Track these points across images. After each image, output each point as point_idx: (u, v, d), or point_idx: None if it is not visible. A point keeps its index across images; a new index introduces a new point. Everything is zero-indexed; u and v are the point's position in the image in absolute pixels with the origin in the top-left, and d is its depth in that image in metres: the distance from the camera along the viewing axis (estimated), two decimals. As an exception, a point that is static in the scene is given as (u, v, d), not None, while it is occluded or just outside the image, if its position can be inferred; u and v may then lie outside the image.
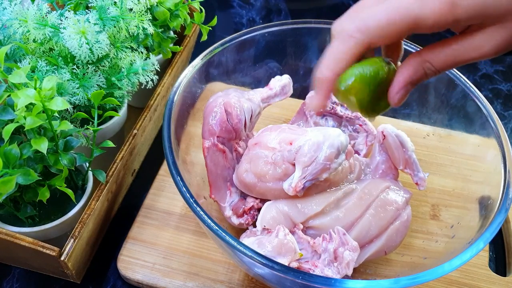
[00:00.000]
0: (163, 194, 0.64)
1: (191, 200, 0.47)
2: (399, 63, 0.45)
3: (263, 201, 0.55)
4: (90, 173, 0.56)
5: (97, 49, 0.52)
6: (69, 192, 0.49)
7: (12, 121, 0.44)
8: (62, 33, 0.51)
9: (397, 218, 0.53)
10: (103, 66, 0.55)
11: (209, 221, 0.45)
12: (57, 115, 0.47)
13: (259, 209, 0.55)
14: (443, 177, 0.63)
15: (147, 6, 0.55)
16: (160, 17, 0.58)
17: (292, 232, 0.52)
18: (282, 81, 0.62)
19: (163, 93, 0.65)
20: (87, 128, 0.52)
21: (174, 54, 0.67)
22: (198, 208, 0.46)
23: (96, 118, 0.52)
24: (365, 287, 0.42)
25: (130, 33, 0.55)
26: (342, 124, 0.65)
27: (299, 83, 0.68)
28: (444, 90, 0.61)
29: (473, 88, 0.58)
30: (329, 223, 0.52)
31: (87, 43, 0.51)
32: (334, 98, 0.64)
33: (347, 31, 0.40)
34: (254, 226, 0.54)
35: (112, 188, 0.56)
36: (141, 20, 0.54)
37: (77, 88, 0.53)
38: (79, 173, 0.57)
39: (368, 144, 0.63)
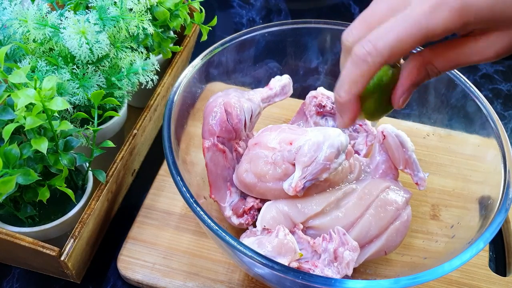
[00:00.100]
0: (163, 194, 0.64)
1: (191, 200, 0.47)
2: (401, 60, 0.45)
3: (263, 201, 0.55)
4: (90, 173, 0.56)
5: (97, 49, 0.52)
6: (69, 192, 0.49)
7: (12, 121, 0.44)
8: (62, 33, 0.51)
9: (397, 218, 0.53)
10: (103, 66, 0.55)
11: (209, 221, 0.45)
12: (57, 115, 0.47)
13: (259, 209, 0.55)
14: (443, 177, 0.63)
15: (147, 6, 0.55)
16: (160, 17, 0.58)
17: (292, 232, 0.52)
18: (282, 81, 0.62)
19: (163, 93, 0.65)
20: (87, 128, 0.52)
21: (174, 54, 0.67)
22: (198, 208, 0.46)
23: (96, 118, 0.52)
24: (365, 287, 0.42)
25: (130, 33, 0.55)
26: (342, 124, 0.65)
27: (299, 83, 0.68)
28: (444, 90, 0.61)
29: (473, 88, 0.58)
30: (329, 223, 0.52)
31: (87, 43, 0.51)
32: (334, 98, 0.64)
33: (359, 55, 0.40)
34: (254, 226, 0.54)
35: (112, 188, 0.56)
36: (141, 20, 0.54)
37: (77, 88, 0.53)
38: (79, 173, 0.57)
39: (368, 144, 0.63)
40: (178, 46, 0.65)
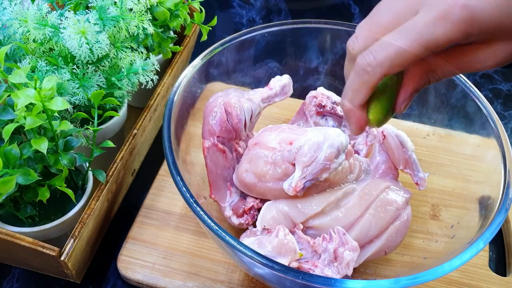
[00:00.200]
0: (163, 194, 0.64)
1: (191, 200, 0.47)
2: None
3: (263, 201, 0.55)
4: (90, 173, 0.56)
5: (97, 49, 0.52)
6: (69, 192, 0.49)
7: (12, 121, 0.44)
8: (62, 33, 0.51)
9: (397, 218, 0.53)
10: (103, 66, 0.55)
11: (209, 221, 0.45)
12: (57, 115, 0.47)
13: (259, 209, 0.55)
14: (443, 177, 0.63)
15: (147, 6, 0.55)
16: (160, 17, 0.58)
17: (292, 232, 0.52)
18: (282, 81, 0.62)
19: (163, 93, 0.65)
20: (87, 128, 0.52)
21: (174, 54, 0.67)
22: (198, 208, 0.46)
23: (96, 118, 0.52)
24: (365, 287, 0.42)
25: (130, 33, 0.55)
26: (342, 124, 0.65)
27: (299, 83, 0.68)
28: (444, 90, 0.61)
29: (473, 88, 0.58)
30: (329, 223, 0.52)
31: (87, 43, 0.51)
32: (334, 98, 0.64)
33: (360, 66, 0.40)
34: (254, 226, 0.54)
35: (112, 188, 0.56)
36: (141, 20, 0.54)
37: (77, 88, 0.53)
38: (79, 173, 0.57)
39: (368, 144, 0.63)
40: (178, 46, 0.65)
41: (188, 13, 0.61)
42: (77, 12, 0.55)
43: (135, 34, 0.56)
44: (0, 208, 0.52)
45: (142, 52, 0.57)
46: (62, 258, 0.48)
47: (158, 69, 0.58)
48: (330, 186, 0.55)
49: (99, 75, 0.55)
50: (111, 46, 0.54)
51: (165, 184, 0.65)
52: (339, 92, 0.66)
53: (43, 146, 0.43)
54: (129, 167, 0.61)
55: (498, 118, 0.55)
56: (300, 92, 0.68)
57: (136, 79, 0.56)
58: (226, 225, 0.57)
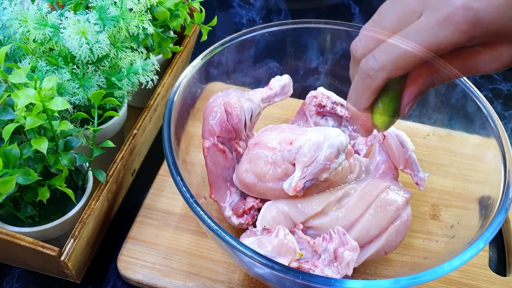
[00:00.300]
0: (163, 194, 0.64)
1: (191, 200, 0.47)
2: None
3: (263, 201, 0.55)
4: (90, 173, 0.56)
5: (97, 49, 0.52)
6: (69, 192, 0.49)
7: (12, 121, 0.44)
8: (62, 33, 0.51)
9: (397, 218, 0.53)
10: (103, 66, 0.55)
11: (209, 221, 0.45)
12: (57, 115, 0.47)
13: (259, 209, 0.55)
14: (443, 177, 0.63)
15: (147, 6, 0.55)
16: (160, 17, 0.58)
17: (292, 232, 0.52)
18: (282, 81, 0.62)
19: (163, 93, 0.65)
20: (87, 128, 0.52)
21: (174, 54, 0.67)
22: (198, 208, 0.46)
23: (96, 118, 0.52)
24: (365, 287, 0.42)
25: (130, 33, 0.55)
26: (342, 124, 0.65)
27: (299, 83, 0.68)
28: (444, 90, 0.61)
29: (473, 88, 0.58)
30: (329, 223, 0.52)
31: (87, 43, 0.51)
32: (334, 98, 0.64)
33: (363, 70, 0.41)
34: (254, 226, 0.54)
35: (112, 188, 0.56)
36: (141, 20, 0.54)
37: (77, 88, 0.53)
38: (79, 173, 0.57)
39: (368, 144, 0.63)
40: (178, 46, 0.65)
41: (188, 13, 0.61)
42: (77, 12, 0.55)
43: (135, 34, 0.56)
44: (0, 208, 0.52)
45: (142, 52, 0.57)
46: (62, 258, 0.48)
47: (158, 69, 0.58)
48: (330, 186, 0.55)
49: (99, 75, 0.55)
50: (111, 46, 0.54)
51: (165, 184, 0.65)
52: (339, 92, 0.66)
53: (43, 146, 0.43)
54: (129, 167, 0.61)
55: (498, 118, 0.55)
56: (300, 92, 0.68)
57: (136, 79, 0.56)
58: (226, 225, 0.57)
